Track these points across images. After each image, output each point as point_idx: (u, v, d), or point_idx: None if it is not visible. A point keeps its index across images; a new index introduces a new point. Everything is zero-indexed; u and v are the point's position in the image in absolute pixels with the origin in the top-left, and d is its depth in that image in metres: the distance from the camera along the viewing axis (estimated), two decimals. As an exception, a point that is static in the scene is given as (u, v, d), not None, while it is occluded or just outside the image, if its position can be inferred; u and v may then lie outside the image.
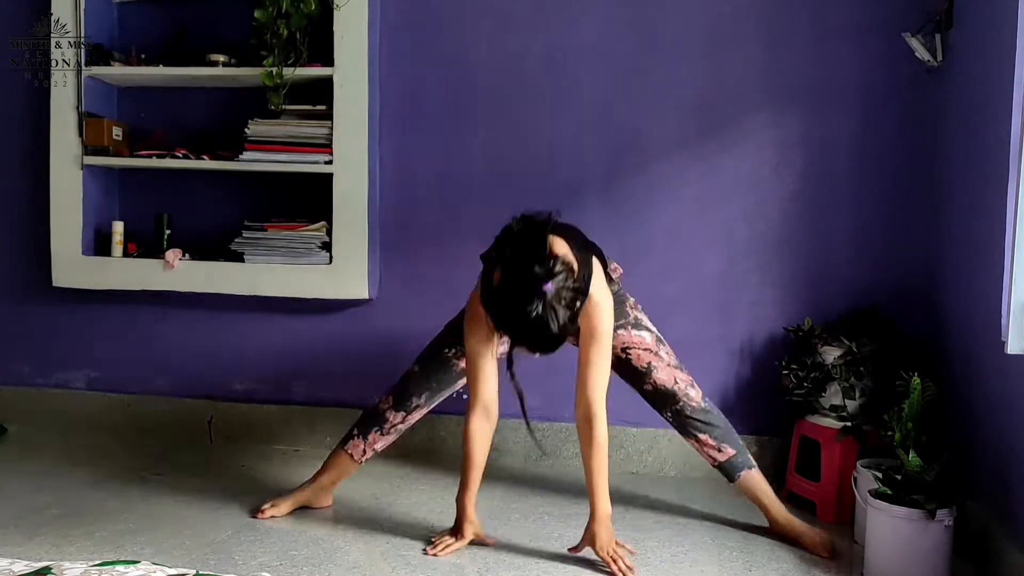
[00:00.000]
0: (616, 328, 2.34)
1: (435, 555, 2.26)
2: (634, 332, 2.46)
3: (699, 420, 2.51)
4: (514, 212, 2.86)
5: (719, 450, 2.52)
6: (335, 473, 2.62)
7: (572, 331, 2.11)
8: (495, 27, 3.17)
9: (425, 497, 2.77)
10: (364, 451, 2.58)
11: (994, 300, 2.24)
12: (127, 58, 3.29)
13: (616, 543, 2.24)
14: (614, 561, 2.18)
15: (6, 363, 3.55)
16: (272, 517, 2.51)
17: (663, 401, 2.53)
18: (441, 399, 2.58)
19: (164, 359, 3.43)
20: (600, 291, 2.19)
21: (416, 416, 2.57)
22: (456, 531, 2.34)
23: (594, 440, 2.20)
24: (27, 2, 3.34)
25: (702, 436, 2.52)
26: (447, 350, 2.50)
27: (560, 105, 3.13)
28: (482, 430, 2.29)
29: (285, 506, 2.56)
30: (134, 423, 3.43)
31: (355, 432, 2.59)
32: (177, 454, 3.19)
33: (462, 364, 2.43)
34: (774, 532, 2.51)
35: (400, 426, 2.57)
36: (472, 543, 2.34)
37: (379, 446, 2.59)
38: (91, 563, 1.49)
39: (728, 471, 2.53)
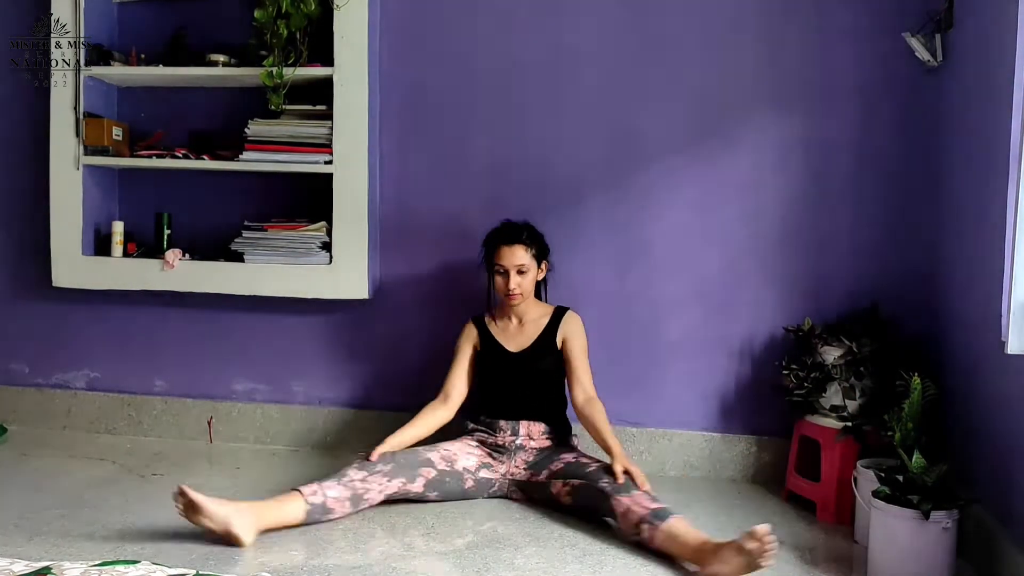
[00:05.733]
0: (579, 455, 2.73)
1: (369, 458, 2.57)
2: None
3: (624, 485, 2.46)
4: (514, 212, 2.94)
5: (654, 500, 2.39)
6: (278, 510, 2.39)
7: (538, 266, 2.84)
8: (495, 27, 3.17)
9: (425, 497, 2.77)
10: (315, 490, 2.44)
11: (994, 300, 2.24)
12: (127, 58, 3.29)
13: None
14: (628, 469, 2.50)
15: (6, 363, 3.55)
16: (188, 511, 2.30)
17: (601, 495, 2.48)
18: (396, 483, 2.57)
19: (164, 359, 3.43)
20: (575, 315, 2.88)
21: (374, 482, 2.53)
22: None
23: (599, 412, 2.70)
24: (27, 2, 3.34)
25: (633, 493, 2.41)
26: (425, 451, 2.69)
27: (560, 104, 3.13)
28: (435, 412, 2.78)
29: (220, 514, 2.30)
30: (134, 423, 3.43)
31: (313, 481, 2.51)
32: (177, 454, 3.19)
33: (429, 472, 2.64)
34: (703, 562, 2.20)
35: (357, 483, 2.51)
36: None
37: (332, 492, 2.46)
38: (91, 563, 1.49)
39: (661, 515, 2.32)
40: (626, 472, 2.47)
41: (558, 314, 2.86)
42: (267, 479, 2.92)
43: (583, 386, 2.78)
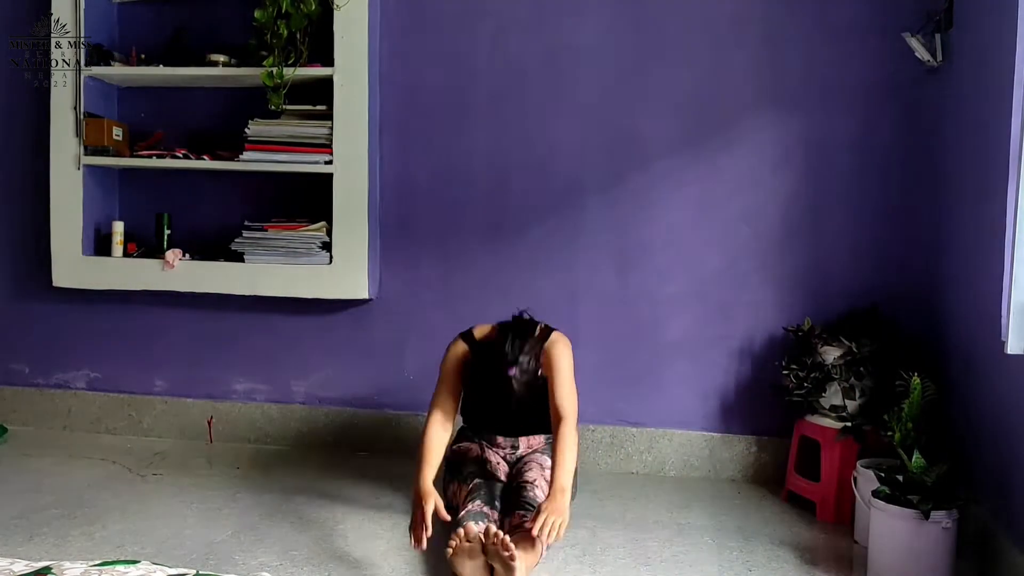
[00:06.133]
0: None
1: (420, 547, 2.18)
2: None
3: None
4: (515, 211, 2.91)
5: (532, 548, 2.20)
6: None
7: (537, 374, 2.55)
8: (495, 27, 3.17)
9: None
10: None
11: (994, 300, 2.24)
12: (127, 58, 3.29)
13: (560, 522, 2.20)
14: (552, 525, 2.17)
15: (6, 363, 3.55)
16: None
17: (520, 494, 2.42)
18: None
19: (164, 359, 3.43)
20: (561, 337, 2.60)
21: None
22: (417, 508, 2.27)
23: (563, 441, 2.39)
24: (27, 2, 3.34)
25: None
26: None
27: (560, 105, 3.13)
28: (439, 435, 2.50)
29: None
30: (134, 423, 3.43)
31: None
32: (177, 454, 3.19)
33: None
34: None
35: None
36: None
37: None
38: (91, 563, 1.49)
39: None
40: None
41: (543, 336, 2.61)
42: (267, 479, 2.92)
43: (558, 409, 2.50)
